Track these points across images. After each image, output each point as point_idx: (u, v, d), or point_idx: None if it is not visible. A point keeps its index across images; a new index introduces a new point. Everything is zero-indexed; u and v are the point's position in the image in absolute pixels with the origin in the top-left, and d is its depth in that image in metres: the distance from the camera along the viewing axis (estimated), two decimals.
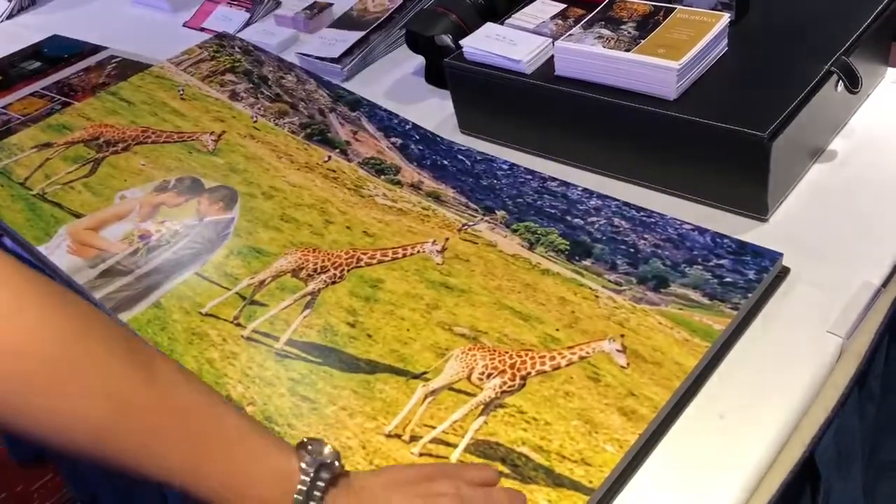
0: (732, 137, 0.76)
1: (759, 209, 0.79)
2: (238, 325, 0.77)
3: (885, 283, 0.73)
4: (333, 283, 0.79)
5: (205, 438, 0.53)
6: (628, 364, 0.66)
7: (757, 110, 0.76)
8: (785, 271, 0.74)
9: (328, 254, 0.82)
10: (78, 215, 0.93)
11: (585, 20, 0.88)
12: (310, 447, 0.54)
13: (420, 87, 1.09)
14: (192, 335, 0.76)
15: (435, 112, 1.02)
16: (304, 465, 0.53)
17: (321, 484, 0.53)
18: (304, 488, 0.52)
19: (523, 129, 0.93)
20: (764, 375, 0.66)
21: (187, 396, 0.54)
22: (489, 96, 0.93)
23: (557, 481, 0.60)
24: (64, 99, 1.20)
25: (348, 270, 0.80)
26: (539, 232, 0.80)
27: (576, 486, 0.59)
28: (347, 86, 1.10)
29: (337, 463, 0.54)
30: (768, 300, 0.72)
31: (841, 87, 0.80)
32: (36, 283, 0.52)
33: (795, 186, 0.83)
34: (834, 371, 0.67)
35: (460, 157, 0.92)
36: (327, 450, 0.55)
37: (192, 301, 0.80)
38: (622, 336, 0.69)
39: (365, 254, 0.81)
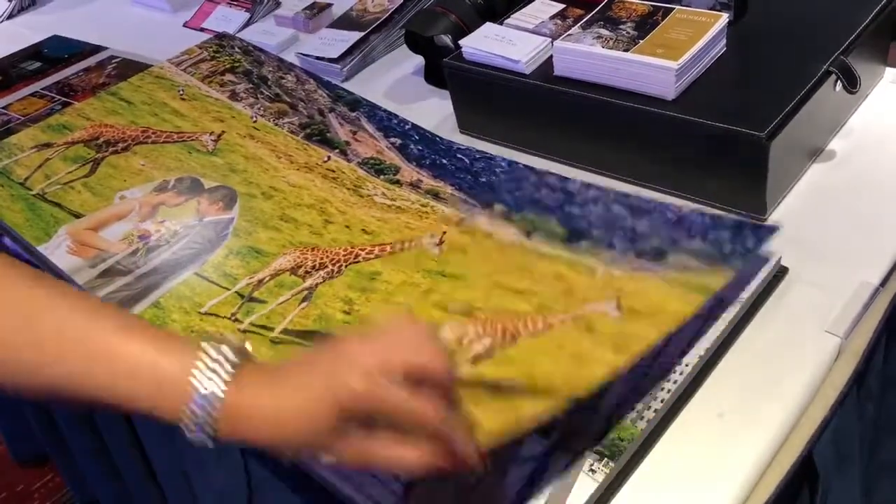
0: (731, 137, 0.76)
1: (757, 209, 0.79)
2: (236, 320, 0.77)
3: (883, 283, 0.73)
4: (331, 278, 0.79)
5: (107, 342, 0.51)
6: (622, 316, 0.66)
7: (755, 110, 0.76)
8: (783, 271, 0.74)
9: (326, 251, 0.82)
10: (78, 215, 0.93)
11: (584, 20, 0.88)
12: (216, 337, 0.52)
13: (420, 87, 1.09)
14: (192, 334, 0.76)
15: (434, 112, 1.02)
16: (204, 345, 0.51)
17: (227, 365, 0.50)
18: (205, 363, 0.50)
19: (523, 129, 0.93)
20: (762, 375, 0.66)
21: (87, 306, 0.53)
22: (488, 96, 0.93)
23: (541, 392, 0.60)
24: (64, 99, 1.20)
25: (346, 266, 0.80)
26: (537, 222, 0.80)
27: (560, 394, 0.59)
28: (347, 86, 1.10)
29: (247, 346, 0.52)
30: (767, 299, 0.72)
31: (839, 86, 0.80)
32: None
33: (794, 186, 0.83)
34: (832, 370, 0.67)
35: (459, 156, 0.92)
36: (235, 338, 0.52)
37: (191, 301, 0.80)
38: (618, 298, 0.68)
39: (363, 250, 0.81)
